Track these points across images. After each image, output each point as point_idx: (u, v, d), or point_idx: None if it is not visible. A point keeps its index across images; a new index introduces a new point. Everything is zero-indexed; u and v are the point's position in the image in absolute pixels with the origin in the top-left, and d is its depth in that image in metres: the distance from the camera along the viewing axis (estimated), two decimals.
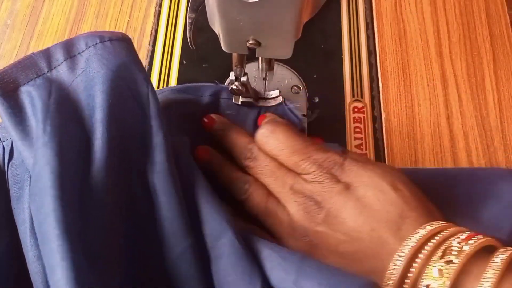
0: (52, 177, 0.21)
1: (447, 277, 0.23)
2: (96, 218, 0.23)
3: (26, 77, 0.26)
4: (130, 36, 0.42)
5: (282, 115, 0.36)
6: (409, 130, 0.39)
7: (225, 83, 0.39)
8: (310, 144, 0.30)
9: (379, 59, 0.42)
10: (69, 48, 0.26)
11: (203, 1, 0.28)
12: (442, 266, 0.23)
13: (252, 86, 0.38)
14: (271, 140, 0.31)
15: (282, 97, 0.38)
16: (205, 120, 0.34)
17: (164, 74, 0.41)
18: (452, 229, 0.26)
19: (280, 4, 0.24)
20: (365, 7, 0.44)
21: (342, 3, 0.44)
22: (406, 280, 0.24)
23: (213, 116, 0.35)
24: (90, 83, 0.25)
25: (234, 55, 0.32)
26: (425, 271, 0.24)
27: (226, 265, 0.25)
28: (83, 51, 0.26)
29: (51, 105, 0.24)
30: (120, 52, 0.27)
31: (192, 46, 0.32)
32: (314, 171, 0.29)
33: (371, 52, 0.42)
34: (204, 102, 0.35)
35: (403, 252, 0.25)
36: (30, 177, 0.26)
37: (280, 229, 0.30)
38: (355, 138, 0.38)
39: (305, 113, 0.39)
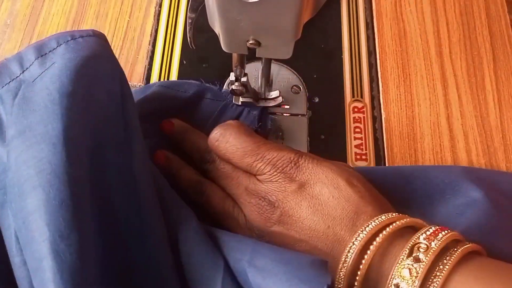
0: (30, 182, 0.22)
1: (415, 276, 0.23)
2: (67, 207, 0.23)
3: (0, 83, 0.26)
4: (130, 36, 0.42)
5: (253, 122, 0.36)
6: (409, 130, 0.39)
7: (225, 84, 0.39)
8: (263, 144, 0.30)
9: (379, 59, 0.42)
10: (40, 48, 0.26)
11: (203, 1, 0.28)
12: (411, 265, 0.23)
13: (252, 86, 0.38)
14: (222, 144, 0.31)
15: (281, 98, 0.38)
16: (163, 124, 0.35)
17: (164, 74, 0.41)
18: (406, 220, 0.26)
19: (280, 4, 0.24)
20: (365, 7, 0.44)
21: (342, 3, 0.44)
22: (358, 272, 0.25)
23: (172, 120, 0.35)
24: (57, 73, 0.25)
25: (234, 55, 0.32)
26: (395, 270, 0.24)
27: (191, 248, 0.26)
28: (54, 49, 0.26)
29: (14, 106, 0.24)
30: (92, 46, 0.27)
31: (192, 46, 0.32)
32: (268, 171, 0.29)
33: (371, 52, 0.42)
34: (184, 98, 0.36)
35: (354, 244, 0.25)
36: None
37: (237, 230, 0.30)
38: (355, 138, 0.38)
39: (305, 113, 0.39)
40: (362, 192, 0.28)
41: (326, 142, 0.38)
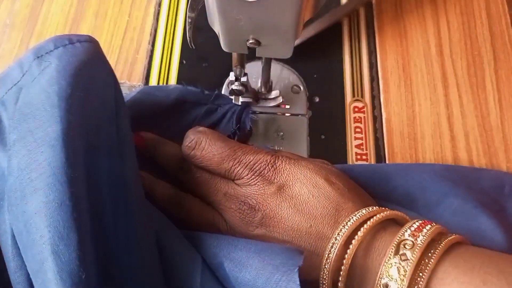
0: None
1: (403, 275, 0.23)
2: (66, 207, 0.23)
3: (4, 89, 0.26)
4: (130, 36, 0.42)
5: (226, 123, 0.36)
6: (410, 130, 0.39)
7: (225, 83, 0.39)
8: (238, 148, 0.30)
9: (380, 58, 0.42)
10: (37, 51, 0.26)
11: (203, 1, 0.28)
12: (398, 263, 0.24)
13: (252, 86, 0.38)
14: (197, 152, 0.30)
15: (281, 98, 0.38)
16: (134, 138, 0.34)
17: (164, 73, 0.40)
18: (387, 213, 0.26)
19: (280, 3, 0.24)
20: (366, 7, 0.44)
21: (342, 3, 0.44)
22: (342, 267, 0.25)
23: (141, 133, 0.34)
24: (55, 75, 0.25)
25: (234, 54, 0.32)
26: (383, 269, 0.24)
27: (170, 247, 0.27)
28: (51, 51, 0.26)
29: (16, 111, 0.25)
30: (88, 52, 0.27)
31: (191, 46, 0.32)
32: (246, 175, 0.29)
33: (372, 52, 0.42)
34: (167, 103, 0.35)
35: (337, 240, 0.25)
36: None
37: None
38: (356, 138, 0.38)
39: (305, 113, 0.39)
40: (341, 189, 0.28)
41: (326, 142, 0.38)
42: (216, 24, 0.27)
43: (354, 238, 0.25)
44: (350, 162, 0.37)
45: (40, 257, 0.20)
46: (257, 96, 0.38)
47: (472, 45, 0.42)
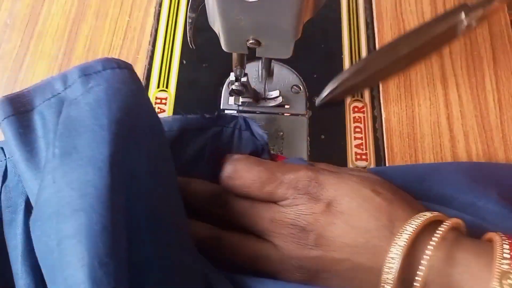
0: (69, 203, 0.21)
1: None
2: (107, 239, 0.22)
3: (41, 98, 0.25)
4: (130, 36, 0.42)
5: (237, 141, 0.35)
6: (409, 130, 0.39)
7: (225, 83, 0.39)
8: (276, 168, 0.29)
9: None
10: (84, 69, 0.26)
11: (203, 1, 0.28)
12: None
13: (252, 86, 0.38)
14: (237, 181, 0.29)
15: (281, 98, 0.38)
16: None
17: (164, 74, 0.41)
18: (450, 222, 0.25)
19: (280, 4, 0.24)
20: (365, 7, 0.44)
21: (342, 3, 0.44)
22: (417, 278, 0.24)
23: None
24: (105, 98, 0.25)
25: (234, 55, 0.32)
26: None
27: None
28: (99, 71, 0.26)
29: (60, 125, 0.24)
30: (135, 79, 0.27)
31: (192, 46, 0.32)
32: (291, 195, 0.28)
33: (371, 52, 0.42)
34: (171, 137, 0.34)
35: (397, 253, 0.24)
36: (26, 202, 0.25)
37: (271, 267, 0.28)
38: (355, 138, 0.38)
39: (305, 113, 0.39)
40: (389, 198, 0.27)
41: (326, 142, 0.38)
42: (216, 24, 0.27)
43: (417, 250, 0.24)
44: (349, 162, 0.37)
45: (74, 281, 0.19)
46: (257, 96, 0.39)
47: (472, 45, 0.42)
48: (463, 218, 0.27)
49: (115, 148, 0.23)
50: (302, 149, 0.37)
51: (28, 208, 0.25)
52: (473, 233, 0.27)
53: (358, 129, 0.39)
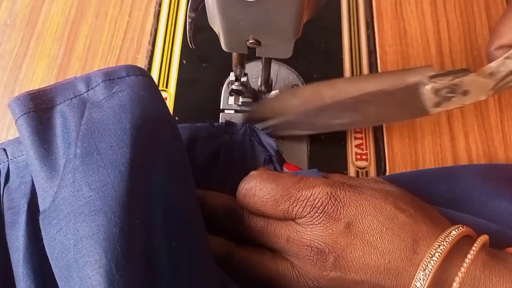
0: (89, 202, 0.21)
1: None
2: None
3: (63, 97, 0.26)
4: (130, 36, 0.42)
5: (250, 148, 0.35)
6: (409, 129, 0.39)
7: (225, 83, 0.39)
8: (291, 185, 0.27)
9: (380, 58, 0.42)
10: (109, 73, 0.26)
11: (203, 1, 0.28)
12: None
13: (252, 86, 0.38)
14: (251, 199, 0.28)
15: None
16: None
17: (164, 73, 0.40)
18: (480, 241, 0.25)
19: (280, 3, 0.24)
20: (365, 7, 0.44)
21: (342, 3, 0.44)
22: None
23: None
24: (129, 104, 0.25)
25: (234, 54, 0.32)
26: None
27: None
28: (123, 77, 0.26)
29: (83, 125, 0.24)
30: (156, 88, 0.27)
31: (192, 46, 0.32)
32: (308, 213, 0.26)
33: (372, 52, 0.42)
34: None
35: (425, 275, 0.24)
36: (28, 204, 0.25)
37: (287, 285, 0.28)
38: (355, 138, 0.38)
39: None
40: (413, 214, 0.26)
41: (326, 142, 0.38)
42: (216, 24, 0.27)
43: (446, 272, 0.24)
44: (349, 162, 0.37)
45: (90, 282, 0.20)
46: (257, 96, 0.38)
47: (472, 45, 0.42)
48: (489, 227, 0.27)
49: (136, 153, 0.23)
50: (302, 149, 0.37)
51: (31, 210, 0.25)
52: (498, 241, 0.27)
53: (358, 129, 0.38)
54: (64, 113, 0.25)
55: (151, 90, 0.27)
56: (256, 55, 0.30)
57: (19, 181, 0.26)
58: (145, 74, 0.27)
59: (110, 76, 0.26)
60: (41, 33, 0.42)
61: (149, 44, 0.42)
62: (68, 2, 0.44)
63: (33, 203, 0.25)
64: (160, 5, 0.44)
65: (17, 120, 0.24)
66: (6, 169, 0.26)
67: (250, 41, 0.27)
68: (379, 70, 0.41)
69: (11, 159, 0.27)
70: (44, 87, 0.26)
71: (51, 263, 0.22)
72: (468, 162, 0.37)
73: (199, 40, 0.40)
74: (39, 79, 0.40)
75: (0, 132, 0.38)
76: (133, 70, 0.27)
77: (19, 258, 0.23)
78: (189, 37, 0.31)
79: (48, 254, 0.22)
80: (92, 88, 0.26)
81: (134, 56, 0.41)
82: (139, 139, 0.24)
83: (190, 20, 0.30)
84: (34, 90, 0.25)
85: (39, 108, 0.25)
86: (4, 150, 0.28)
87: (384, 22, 0.44)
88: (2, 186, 0.26)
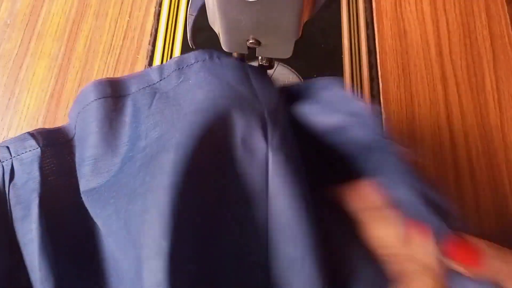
0: (168, 191, 0.21)
1: None
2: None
3: (137, 86, 0.26)
4: (130, 36, 0.42)
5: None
6: (409, 129, 0.39)
7: None
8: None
9: (379, 59, 0.42)
10: (180, 62, 0.27)
11: (203, 1, 0.28)
12: None
13: None
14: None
15: None
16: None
17: None
18: None
19: (280, 3, 0.24)
20: (365, 7, 0.44)
21: (342, 3, 0.44)
22: None
23: None
24: (193, 89, 0.25)
25: (234, 54, 0.32)
26: None
27: None
28: (191, 64, 0.27)
29: (151, 112, 0.25)
30: (228, 69, 0.27)
31: (192, 46, 0.32)
32: None
33: (371, 52, 0.42)
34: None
35: None
36: (40, 197, 0.25)
37: None
38: None
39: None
40: None
41: None
42: (217, 24, 0.27)
43: None
44: None
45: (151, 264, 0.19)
46: None
47: (471, 45, 0.42)
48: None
49: (198, 141, 0.22)
50: None
51: (44, 203, 0.25)
52: None
53: None
54: (136, 102, 0.26)
55: (224, 69, 0.27)
56: (256, 55, 0.30)
57: (26, 177, 0.26)
58: (214, 57, 0.27)
59: (181, 65, 0.27)
60: (41, 33, 0.42)
61: (149, 44, 0.42)
62: (68, 2, 0.44)
63: (45, 197, 0.25)
64: (160, 5, 0.44)
65: (91, 102, 0.25)
66: (9, 166, 0.27)
67: (250, 41, 0.27)
68: (379, 70, 0.41)
69: (14, 156, 0.27)
70: (120, 77, 0.27)
71: (104, 240, 0.23)
72: (468, 162, 0.38)
73: (199, 40, 0.40)
74: (39, 79, 0.40)
75: (0, 132, 0.38)
76: (202, 55, 0.27)
77: (34, 249, 0.23)
78: (189, 37, 0.31)
79: (103, 231, 0.23)
80: (164, 78, 0.27)
81: (134, 56, 0.41)
82: (204, 129, 0.23)
83: (190, 20, 0.30)
84: (113, 78, 0.26)
85: (115, 95, 0.26)
86: (7, 148, 0.28)
87: (384, 22, 0.44)
88: (7, 183, 0.26)
